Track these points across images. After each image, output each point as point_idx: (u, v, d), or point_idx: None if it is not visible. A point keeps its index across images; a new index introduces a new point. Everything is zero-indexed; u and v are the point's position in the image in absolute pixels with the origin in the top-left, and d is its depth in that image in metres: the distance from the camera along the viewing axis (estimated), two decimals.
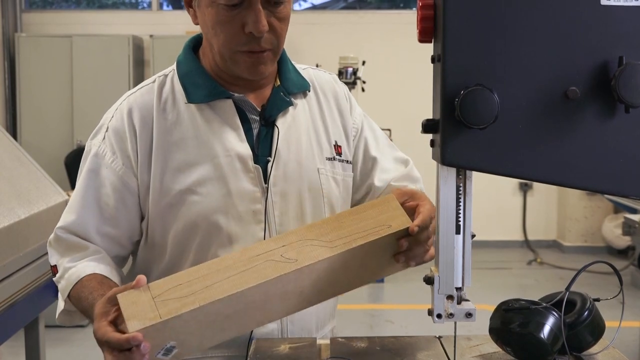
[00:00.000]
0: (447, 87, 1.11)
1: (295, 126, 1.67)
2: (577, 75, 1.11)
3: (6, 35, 7.74)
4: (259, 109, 1.65)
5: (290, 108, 1.68)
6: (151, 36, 7.56)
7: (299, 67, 1.77)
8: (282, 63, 1.71)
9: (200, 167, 1.59)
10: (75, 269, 1.57)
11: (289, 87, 1.69)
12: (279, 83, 1.69)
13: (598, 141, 1.13)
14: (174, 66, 1.69)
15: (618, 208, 7.38)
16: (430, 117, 1.18)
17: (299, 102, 1.71)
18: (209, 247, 1.60)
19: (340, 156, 1.73)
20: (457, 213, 1.19)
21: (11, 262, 2.69)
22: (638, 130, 1.12)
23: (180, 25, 7.73)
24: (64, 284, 1.58)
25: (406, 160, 1.83)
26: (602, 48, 1.11)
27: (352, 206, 1.76)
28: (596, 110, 1.12)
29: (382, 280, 6.14)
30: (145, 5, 8.54)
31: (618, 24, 1.11)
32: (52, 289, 2.61)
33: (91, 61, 7.42)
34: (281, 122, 1.66)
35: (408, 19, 7.35)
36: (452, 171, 1.18)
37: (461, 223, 1.20)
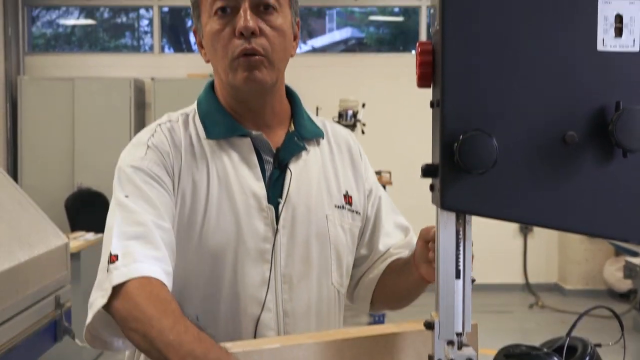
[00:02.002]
0: (446, 132, 1.11)
1: (306, 171, 1.69)
2: (574, 120, 1.12)
3: (9, 78, 7.80)
4: (274, 151, 1.67)
5: (303, 153, 1.70)
6: (153, 79, 7.62)
7: (315, 118, 1.80)
8: (296, 109, 1.74)
9: (216, 200, 1.60)
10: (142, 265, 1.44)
11: (302, 132, 1.71)
12: (293, 128, 1.72)
13: (597, 186, 1.13)
14: (194, 105, 1.72)
15: (619, 251, 7.37)
16: (430, 159, 1.19)
17: (312, 149, 1.73)
18: (215, 280, 1.59)
19: (351, 206, 1.74)
20: (457, 258, 1.19)
21: (11, 305, 2.68)
22: (636, 175, 1.13)
23: (182, 68, 7.81)
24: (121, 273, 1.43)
25: (407, 228, 1.86)
26: (599, 93, 1.12)
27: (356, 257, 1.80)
28: (594, 155, 1.12)
29: (382, 320, 6.10)
30: (147, 48, 8.62)
31: (614, 70, 1.12)
32: (51, 333, 2.60)
33: (93, 103, 7.48)
34: (294, 166, 1.67)
35: (407, 62, 7.40)
36: (452, 216, 1.18)
37: (461, 268, 1.20)
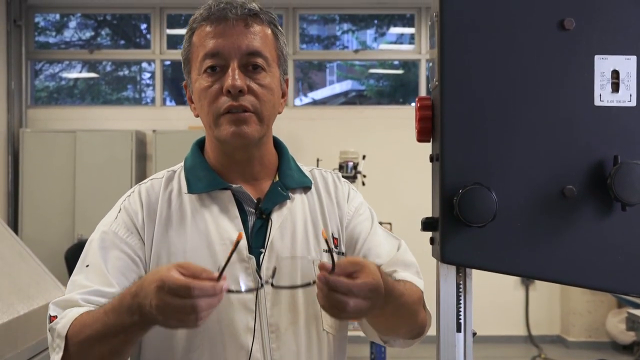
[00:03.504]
0: (446, 186, 1.12)
1: (291, 219, 1.70)
2: (573, 173, 1.13)
3: (11, 130, 7.85)
4: (255, 201, 1.68)
5: (288, 202, 1.71)
6: (154, 131, 7.66)
7: (304, 168, 1.81)
8: (282, 160, 1.76)
9: (196, 253, 1.61)
10: (79, 308, 1.55)
11: (287, 182, 1.73)
12: (277, 179, 1.73)
13: (596, 239, 1.13)
14: (182, 163, 1.76)
15: (621, 303, 7.32)
16: (430, 210, 1.19)
17: (298, 197, 1.74)
18: (199, 330, 1.58)
19: (337, 248, 1.74)
20: (458, 311, 1.19)
21: (10, 358, 2.66)
22: (635, 228, 1.13)
23: (183, 121, 7.85)
24: (64, 322, 1.53)
25: (398, 244, 1.81)
26: (597, 147, 1.13)
27: None
28: (593, 208, 1.13)
29: None
30: (148, 100, 8.69)
31: (612, 124, 1.13)
32: None
33: (94, 156, 7.50)
34: (276, 216, 1.68)
35: (407, 114, 7.45)
36: (452, 269, 1.18)
37: (462, 321, 1.20)
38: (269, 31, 1.67)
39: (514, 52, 1.13)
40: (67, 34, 8.83)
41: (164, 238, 1.64)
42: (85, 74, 8.81)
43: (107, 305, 1.47)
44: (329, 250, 1.70)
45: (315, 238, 1.71)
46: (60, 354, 1.51)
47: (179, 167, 1.76)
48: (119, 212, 1.66)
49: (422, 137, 1.20)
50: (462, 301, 1.19)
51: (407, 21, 8.69)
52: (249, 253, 1.63)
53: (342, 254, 1.75)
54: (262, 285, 1.61)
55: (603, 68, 1.13)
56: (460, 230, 1.12)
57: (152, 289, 1.31)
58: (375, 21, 8.80)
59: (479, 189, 1.10)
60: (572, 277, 1.15)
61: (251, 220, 1.67)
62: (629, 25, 1.14)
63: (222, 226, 1.64)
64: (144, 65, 8.75)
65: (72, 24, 8.84)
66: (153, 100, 8.48)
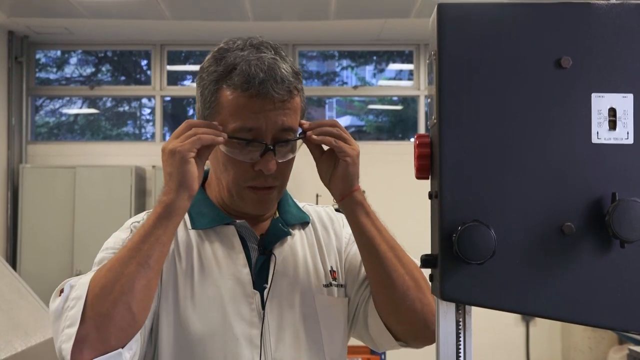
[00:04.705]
0: (445, 223, 1.12)
1: (292, 255, 1.72)
2: (571, 211, 1.13)
3: (11, 165, 7.86)
4: (258, 237, 1.70)
5: (288, 238, 1.74)
6: (154, 167, 7.67)
7: (299, 203, 1.85)
8: (282, 197, 1.78)
9: (201, 288, 1.63)
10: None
11: (287, 219, 1.76)
12: (277, 215, 1.76)
13: (595, 276, 1.13)
14: None
15: (622, 339, 7.28)
16: (429, 246, 1.20)
17: (297, 233, 1.77)
18: None
19: (335, 281, 1.76)
20: (457, 349, 1.19)
21: None
22: (634, 265, 1.13)
23: None
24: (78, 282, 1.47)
25: None
26: (595, 185, 1.13)
27: (350, 326, 1.78)
28: (592, 245, 1.13)
29: None
30: (148, 136, 8.71)
31: (609, 161, 1.14)
32: None
33: (93, 191, 7.50)
34: (278, 252, 1.70)
35: (406, 150, 7.48)
36: (452, 306, 1.18)
37: (462, 359, 1.19)
38: (299, 99, 1.66)
39: (511, 90, 1.14)
40: (68, 70, 8.88)
41: (171, 265, 1.64)
42: (86, 110, 8.84)
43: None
44: (329, 284, 1.72)
45: (315, 273, 1.73)
46: (80, 308, 1.41)
47: None
48: (130, 232, 1.64)
49: (420, 174, 1.20)
50: (461, 339, 1.19)
51: (406, 57, 8.75)
52: (254, 288, 1.64)
53: (342, 285, 1.76)
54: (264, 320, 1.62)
55: (600, 106, 1.14)
56: (460, 267, 1.12)
57: (163, 162, 1.50)
58: (374, 57, 8.85)
59: (478, 227, 1.10)
60: (572, 315, 1.15)
61: (254, 256, 1.69)
62: (625, 63, 1.14)
63: (227, 262, 1.65)
64: (144, 101, 8.79)
65: (73, 60, 8.89)
66: (153, 136, 8.50)
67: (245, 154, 1.60)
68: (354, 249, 1.76)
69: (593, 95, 1.14)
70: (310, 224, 1.81)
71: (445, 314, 1.18)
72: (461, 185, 1.13)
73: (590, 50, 1.14)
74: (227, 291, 1.62)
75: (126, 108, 8.96)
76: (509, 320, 7.92)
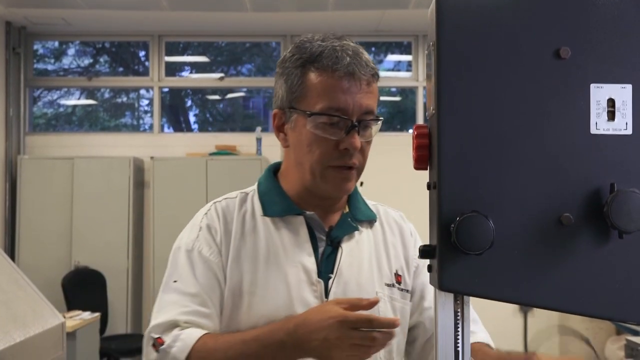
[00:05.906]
0: (443, 213, 1.12)
1: (358, 250, 1.77)
2: (570, 202, 1.13)
3: (9, 157, 7.86)
4: (327, 229, 1.75)
5: (356, 233, 1.79)
6: (152, 158, 7.67)
7: (369, 202, 1.90)
8: (353, 193, 1.84)
9: (267, 272, 1.68)
10: (190, 330, 1.61)
11: (356, 214, 1.82)
12: (347, 210, 1.82)
13: (593, 267, 1.13)
14: (255, 186, 1.83)
15: (620, 330, 7.29)
16: (428, 237, 1.20)
17: (365, 230, 1.82)
18: None
19: (400, 285, 1.81)
20: (456, 339, 1.19)
21: None
22: (632, 256, 1.13)
23: (181, 147, 7.87)
24: (181, 345, 1.58)
25: None
26: (593, 175, 1.13)
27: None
28: (590, 236, 1.13)
29: None
30: (146, 127, 8.70)
31: (608, 152, 1.13)
32: None
33: (92, 182, 7.50)
34: (346, 244, 1.76)
35: (405, 141, 7.47)
36: (450, 296, 1.18)
37: (460, 349, 1.19)
38: (376, 86, 1.72)
39: (510, 81, 1.13)
40: (66, 61, 8.87)
41: (237, 257, 1.70)
42: (84, 101, 8.84)
43: (245, 334, 1.57)
44: (392, 285, 1.76)
45: (379, 271, 1.79)
46: None
47: (252, 189, 1.82)
48: (200, 230, 1.72)
49: (419, 165, 1.20)
50: (460, 329, 1.19)
51: (405, 48, 8.74)
52: (318, 277, 1.70)
53: (407, 291, 1.82)
54: None
55: (599, 96, 1.14)
56: (458, 258, 1.12)
57: (330, 324, 1.44)
58: (373, 48, 8.85)
59: (476, 217, 1.10)
60: (570, 305, 1.15)
61: (321, 247, 1.74)
62: (624, 54, 1.14)
63: (294, 250, 1.71)
64: (142, 92, 8.78)
65: (71, 51, 8.88)
66: (151, 127, 8.50)
67: (331, 133, 1.65)
68: (420, 280, 1.85)
69: (592, 85, 1.14)
70: (377, 224, 1.86)
71: (444, 305, 1.18)
72: (460, 176, 1.13)
73: (589, 41, 1.14)
74: (292, 277, 1.68)
75: (124, 99, 8.95)
76: (507, 311, 7.94)
